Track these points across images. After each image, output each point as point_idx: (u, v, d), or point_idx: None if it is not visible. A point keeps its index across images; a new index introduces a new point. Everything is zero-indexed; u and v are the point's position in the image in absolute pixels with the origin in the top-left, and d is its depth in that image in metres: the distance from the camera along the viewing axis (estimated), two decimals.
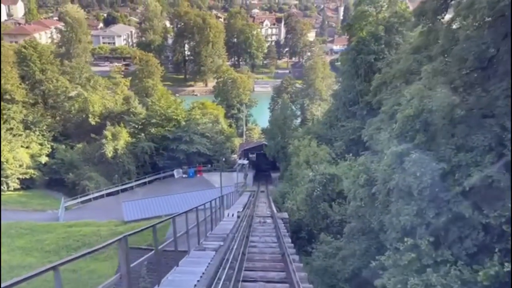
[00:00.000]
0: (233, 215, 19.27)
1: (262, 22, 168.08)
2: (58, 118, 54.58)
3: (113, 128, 46.80)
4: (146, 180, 47.68)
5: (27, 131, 49.80)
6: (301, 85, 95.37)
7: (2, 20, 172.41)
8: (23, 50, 51.39)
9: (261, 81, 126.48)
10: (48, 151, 50.46)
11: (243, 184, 43.61)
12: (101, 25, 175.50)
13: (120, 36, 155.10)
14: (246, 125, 74.32)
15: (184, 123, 48.52)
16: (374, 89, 20.58)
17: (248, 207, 22.68)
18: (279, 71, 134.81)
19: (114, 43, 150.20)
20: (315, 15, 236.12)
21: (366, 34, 31.83)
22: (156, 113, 48.73)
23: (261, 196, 34.96)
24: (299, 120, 75.70)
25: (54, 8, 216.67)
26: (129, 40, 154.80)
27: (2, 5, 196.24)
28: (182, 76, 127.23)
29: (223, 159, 39.91)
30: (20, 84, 50.00)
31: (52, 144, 50.99)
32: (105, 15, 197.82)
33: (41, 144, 50.43)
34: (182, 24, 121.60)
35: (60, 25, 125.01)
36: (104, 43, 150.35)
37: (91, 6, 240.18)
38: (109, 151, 45.15)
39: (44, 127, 51.07)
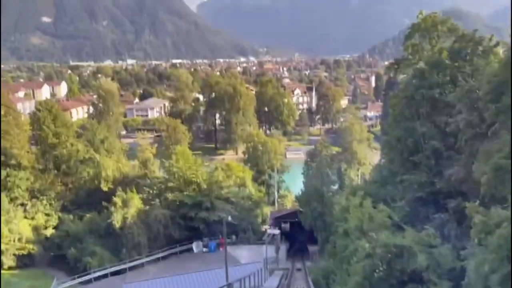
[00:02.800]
0: None
1: (293, 91, 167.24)
2: (70, 185, 49.86)
3: (125, 194, 40.89)
4: (159, 255, 40.28)
5: (34, 200, 44.86)
6: (337, 152, 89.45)
7: (44, 98, 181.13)
8: (37, 112, 48.28)
9: (293, 148, 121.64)
10: (55, 223, 44.98)
11: (274, 260, 35.43)
12: (136, 100, 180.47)
13: (153, 108, 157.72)
14: (278, 191, 67.01)
15: (205, 186, 42.06)
16: (494, 89, 13.31)
17: None
18: (312, 138, 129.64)
19: (147, 115, 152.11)
20: (346, 85, 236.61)
21: (426, 64, 25.25)
22: (174, 176, 42.77)
23: (297, 278, 26.70)
24: (336, 186, 68.07)
25: (95, 88, 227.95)
26: (162, 112, 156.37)
27: (46, 86, 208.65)
28: (213, 145, 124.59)
29: (229, 218, 32.11)
30: (30, 148, 46.15)
31: (60, 214, 45.53)
32: (141, 91, 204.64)
33: (47, 215, 45.04)
34: (213, 93, 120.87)
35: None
36: (137, 115, 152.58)
37: (129, 84, 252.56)
38: (117, 220, 38.76)
39: (53, 196, 46.07)
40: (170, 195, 41.97)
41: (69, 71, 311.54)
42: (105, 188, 45.71)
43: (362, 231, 21.76)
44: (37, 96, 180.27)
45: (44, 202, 45.26)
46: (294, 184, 71.90)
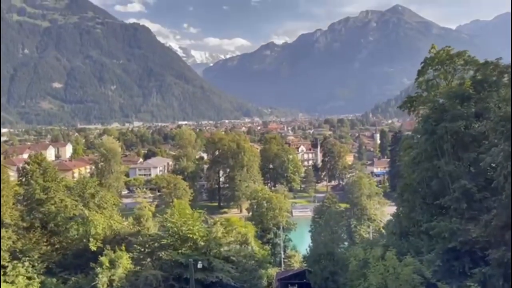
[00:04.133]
0: None
1: (297, 148, 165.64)
2: (57, 245, 45.70)
3: (113, 253, 36.82)
4: None
5: (15, 261, 40.57)
6: (345, 208, 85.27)
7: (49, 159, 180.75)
8: (26, 166, 45.59)
9: (299, 206, 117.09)
10: (37, 287, 40.39)
11: None
12: (140, 160, 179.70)
13: (156, 167, 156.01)
14: (284, 251, 61.98)
15: (202, 243, 37.96)
16: None
17: None
18: (318, 195, 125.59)
19: (150, 174, 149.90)
20: (350, 142, 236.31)
21: (446, 97, 22.51)
22: (168, 232, 38.87)
23: None
24: (346, 244, 63.25)
25: (98, 146, 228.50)
26: (165, 170, 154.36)
27: (51, 147, 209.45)
28: (216, 204, 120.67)
29: (199, 265, 27.71)
30: (14, 204, 42.82)
31: (43, 277, 41.07)
32: (145, 151, 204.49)
33: (29, 278, 40.47)
34: (217, 151, 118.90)
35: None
36: (140, 175, 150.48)
37: (134, 145, 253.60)
38: (102, 283, 34.33)
39: (36, 256, 41.79)
40: (163, 254, 37.80)
41: (76, 134, 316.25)
42: (93, 248, 41.55)
43: None
44: None
45: (26, 264, 40.93)
46: (301, 244, 66.97)
